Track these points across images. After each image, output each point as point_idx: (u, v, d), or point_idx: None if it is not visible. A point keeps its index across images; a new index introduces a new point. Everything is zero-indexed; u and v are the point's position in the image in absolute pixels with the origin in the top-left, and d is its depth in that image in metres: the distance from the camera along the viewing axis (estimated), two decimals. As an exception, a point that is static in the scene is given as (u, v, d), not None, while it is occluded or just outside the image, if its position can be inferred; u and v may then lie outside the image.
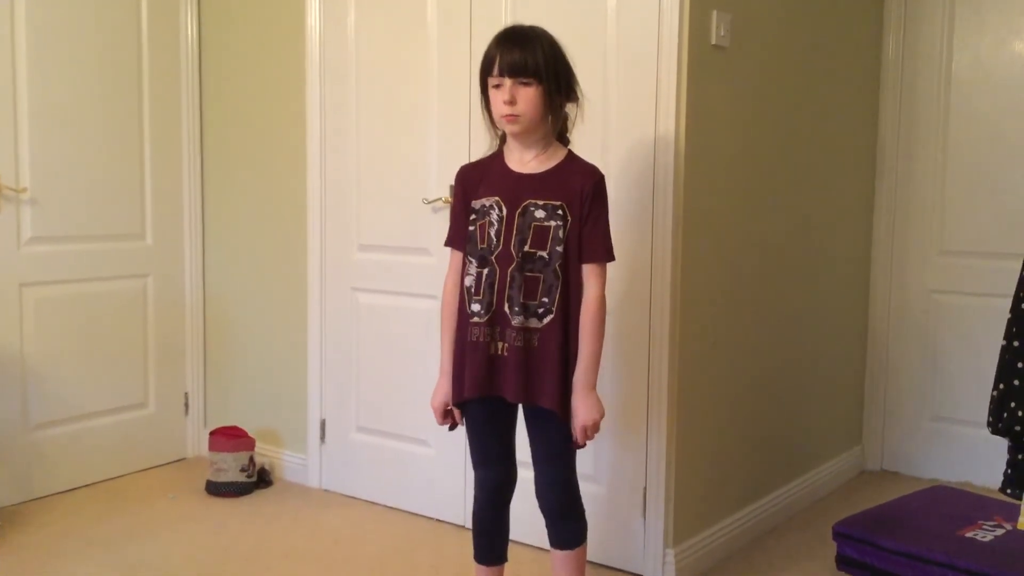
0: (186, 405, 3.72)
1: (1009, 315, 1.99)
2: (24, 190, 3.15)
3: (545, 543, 2.16)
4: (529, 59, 1.90)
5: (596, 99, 2.60)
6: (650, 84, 2.50)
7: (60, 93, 3.23)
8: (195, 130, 3.65)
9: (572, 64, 2.01)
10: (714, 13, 2.55)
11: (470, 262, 2.02)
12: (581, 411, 1.96)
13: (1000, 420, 1.99)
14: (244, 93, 3.53)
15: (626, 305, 2.59)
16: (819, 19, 3.19)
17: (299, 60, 3.31)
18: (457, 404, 2.07)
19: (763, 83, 2.87)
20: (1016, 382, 1.96)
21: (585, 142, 2.52)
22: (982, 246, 3.45)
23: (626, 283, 2.58)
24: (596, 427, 1.99)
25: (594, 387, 1.98)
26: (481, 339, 1.97)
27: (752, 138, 2.84)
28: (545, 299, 1.95)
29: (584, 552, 2.10)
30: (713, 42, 2.56)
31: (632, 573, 2.64)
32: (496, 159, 2.05)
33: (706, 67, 2.56)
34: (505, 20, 2.69)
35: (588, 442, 2.01)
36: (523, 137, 1.97)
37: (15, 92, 3.11)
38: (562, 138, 2.06)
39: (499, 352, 1.97)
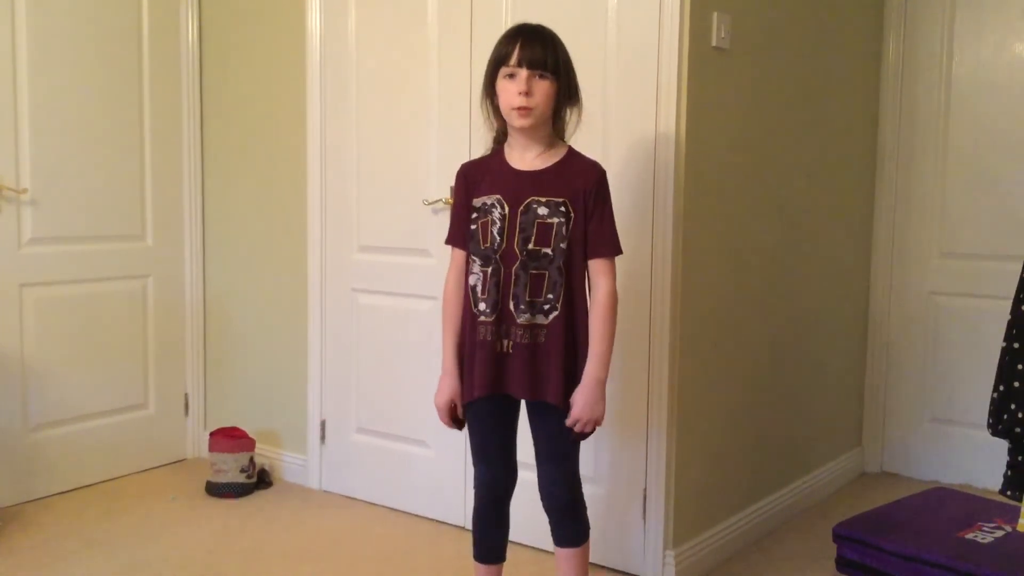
0: (186, 406, 3.72)
1: (1009, 317, 1.99)
2: (24, 191, 3.15)
3: (545, 543, 2.16)
4: (549, 55, 1.92)
5: (597, 100, 2.60)
6: (650, 85, 2.51)
7: (61, 94, 3.23)
8: (195, 131, 3.65)
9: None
10: (715, 15, 2.55)
11: (474, 261, 2.01)
12: (580, 402, 1.95)
13: (1000, 422, 1.99)
14: (245, 94, 3.53)
15: (626, 306, 2.57)
16: (819, 21, 3.19)
17: (299, 61, 3.31)
18: (466, 402, 2.06)
19: (763, 85, 2.87)
20: (1016, 384, 1.96)
21: (585, 142, 2.52)
22: (982, 248, 3.45)
23: (626, 284, 2.58)
24: (593, 424, 1.97)
25: (602, 382, 1.97)
26: (488, 337, 1.97)
27: (752, 140, 2.84)
28: (550, 296, 1.95)
29: (587, 550, 2.10)
30: (713, 44, 2.56)
31: (632, 574, 2.64)
32: (496, 157, 2.05)
33: (706, 68, 2.56)
34: (506, 21, 2.69)
35: (583, 437, 1.99)
36: (530, 132, 1.97)
37: (15, 93, 3.11)
38: (561, 138, 2.07)
39: (505, 350, 1.97)
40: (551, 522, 2.09)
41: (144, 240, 3.55)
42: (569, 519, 2.07)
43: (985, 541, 2.48)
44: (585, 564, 2.10)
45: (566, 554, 2.08)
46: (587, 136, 2.61)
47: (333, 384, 3.32)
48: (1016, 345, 1.97)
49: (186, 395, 3.72)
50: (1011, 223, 3.38)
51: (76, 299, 3.33)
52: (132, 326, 3.52)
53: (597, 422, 1.98)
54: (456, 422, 2.10)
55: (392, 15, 3.06)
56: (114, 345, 3.45)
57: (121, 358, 3.48)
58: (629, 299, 2.58)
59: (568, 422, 1.96)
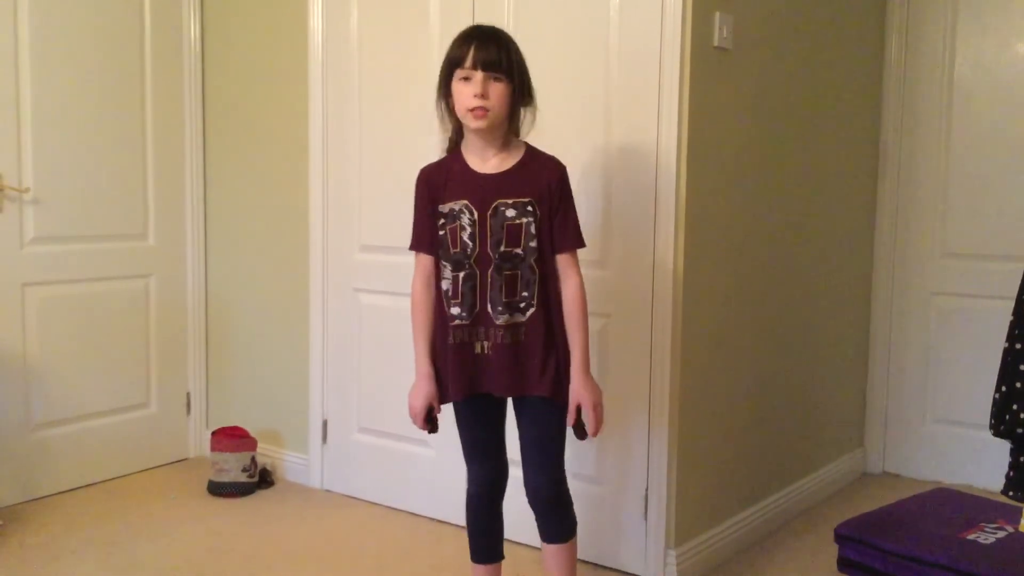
0: (188, 405, 3.73)
1: (1011, 317, 1.99)
2: (27, 190, 3.15)
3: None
4: (503, 56, 1.93)
5: (599, 99, 2.60)
6: (652, 85, 2.50)
7: (63, 93, 3.24)
8: (197, 130, 3.66)
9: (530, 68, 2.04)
10: (716, 15, 2.55)
11: (444, 266, 2.02)
12: (586, 394, 1.98)
13: (1002, 423, 1.99)
14: (247, 93, 3.53)
15: (628, 307, 2.59)
16: (821, 21, 3.19)
17: (301, 60, 3.31)
18: (443, 404, 2.07)
19: (765, 85, 2.87)
20: (1018, 384, 1.96)
21: (587, 144, 2.53)
22: (984, 248, 3.45)
23: (628, 285, 2.58)
24: (600, 407, 2.01)
25: (589, 369, 2.02)
26: (465, 340, 1.99)
27: (754, 140, 2.84)
28: (525, 293, 1.97)
29: (575, 546, 2.11)
30: (715, 44, 2.56)
31: (633, 574, 2.64)
32: (456, 160, 2.05)
33: (708, 69, 2.56)
34: (508, 21, 2.69)
35: (596, 424, 2.02)
36: (486, 134, 1.98)
37: (18, 92, 3.11)
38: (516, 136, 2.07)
39: (483, 351, 1.99)
40: (537, 518, 2.10)
41: (146, 239, 3.56)
42: (555, 515, 2.08)
43: (987, 542, 2.48)
44: (573, 560, 2.10)
45: (553, 550, 2.09)
46: (589, 136, 2.62)
47: (335, 384, 3.32)
48: (1018, 346, 1.96)
49: (188, 394, 3.73)
50: (1013, 223, 3.37)
51: (78, 298, 3.33)
52: (134, 325, 3.52)
53: (601, 404, 2.01)
54: (430, 424, 2.09)
55: (394, 14, 3.06)
56: (116, 344, 3.45)
57: (123, 357, 3.49)
58: (632, 301, 2.58)
59: (589, 417, 1.98)
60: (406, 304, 3.04)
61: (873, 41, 3.58)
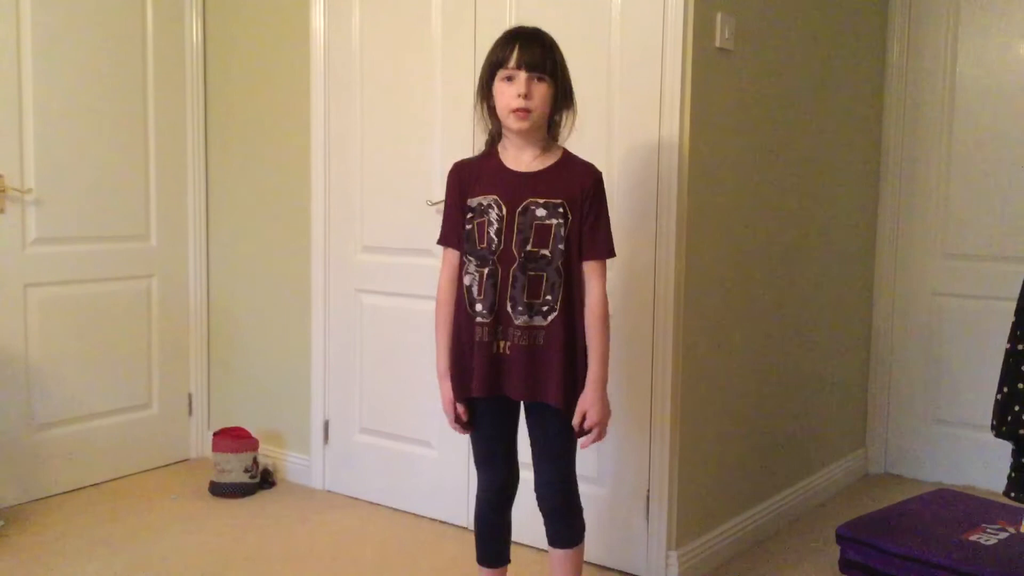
0: (190, 406, 3.73)
1: (1013, 318, 1.99)
2: (29, 191, 3.16)
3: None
4: (548, 57, 1.92)
5: (600, 100, 2.61)
6: (654, 86, 2.51)
7: (65, 94, 3.24)
8: (199, 132, 3.66)
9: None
10: (718, 16, 2.55)
11: (469, 261, 2.01)
12: (594, 410, 1.97)
13: (1004, 424, 1.99)
14: (249, 95, 3.54)
15: (629, 308, 2.59)
16: (824, 22, 3.19)
17: (304, 62, 3.31)
18: (461, 401, 2.06)
19: (767, 86, 2.87)
20: (1020, 385, 1.96)
21: (589, 144, 2.52)
22: (986, 249, 3.45)
23: (629, 286, 2.58)
24: (605, 427, 2.00)
25: (606, 385, 1.99)
26: (484, 338, 1.97)
27: (756, 141, 2.84)
28: (548, 297, 1.95)
29: (582, 551, 2.11)
30: (717, 45, 2.57)
31: (634, 575, 2.64)
32: (491, 157, 2.03)
33: (710, 70, 2.56)
34: (509, 21, 2.69)
35: (592, 441, 2.02)
36: (527, 135, 1.96)
37: (20, 93, 3.12)
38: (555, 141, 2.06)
39: (502, 351, 1.97)
40: (546, 522, 2.09)
41: (148, 240, 3.56)
42: (563, 520, 2.07)
43: (988, 543, 2.48)
44: (579, 565, 2.10)
45: (560, 555, 2.08)
46: (591, 137, 2.62)
47: (337, 384, 3.33)
48: (1020, 347, 1.96)
49: (190, 395, 3.73)
50: (1014, 224, 3.38)
51: (80, 299, 3.33)
52: (136, 326, 3.52)
53: (605, 425, 2.00)
54: (463, 424, 2.07)
55: (396, 15, 3.06)
56: (118, 345, 3.46)
57: (125, 358, 3.49)
58: (633, 302, 2.58)
59: (587, 439, 1.98)
60: (408, 305, 3.10)
61: (875, 42, 3.58)
